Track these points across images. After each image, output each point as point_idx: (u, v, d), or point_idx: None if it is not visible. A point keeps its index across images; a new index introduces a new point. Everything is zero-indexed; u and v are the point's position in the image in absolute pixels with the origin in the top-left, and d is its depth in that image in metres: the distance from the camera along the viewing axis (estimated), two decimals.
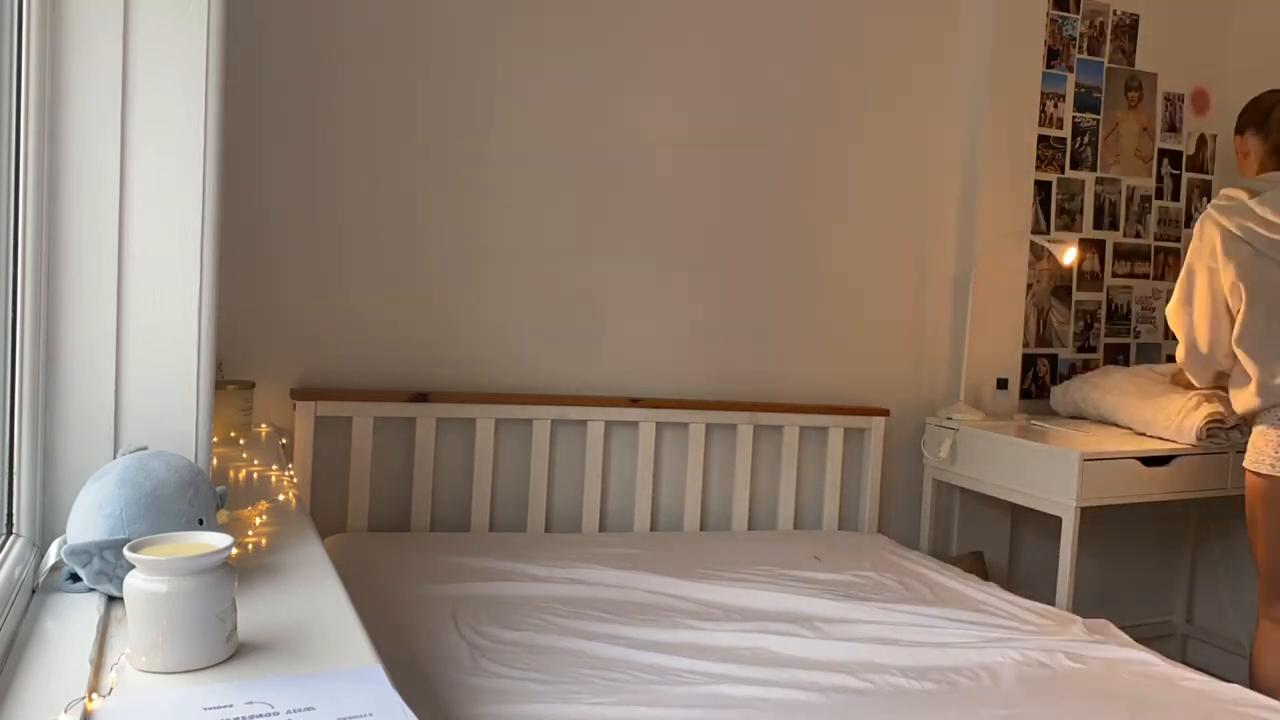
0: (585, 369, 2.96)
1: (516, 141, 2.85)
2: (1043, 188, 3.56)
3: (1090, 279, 3.71)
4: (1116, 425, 3.22)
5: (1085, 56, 3.62)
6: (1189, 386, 3.04)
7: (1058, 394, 3.48)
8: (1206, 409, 2.98)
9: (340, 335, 2.71)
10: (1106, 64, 3.67)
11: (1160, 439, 3.05)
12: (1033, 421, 3.33)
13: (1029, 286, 3.56)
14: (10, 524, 1.36)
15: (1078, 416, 3.39)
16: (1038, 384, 3.60)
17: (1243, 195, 2.66)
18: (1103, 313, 3.74)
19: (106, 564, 1.22)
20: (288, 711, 1.00)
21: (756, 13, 3.10)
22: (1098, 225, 3.71)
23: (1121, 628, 2.42)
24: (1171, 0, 3.76)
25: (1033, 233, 3.50)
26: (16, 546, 1.32)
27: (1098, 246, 3.71)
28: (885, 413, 3.31)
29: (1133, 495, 2.98)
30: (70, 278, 1.41)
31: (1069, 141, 3.60)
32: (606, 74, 2.94)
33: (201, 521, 1.30)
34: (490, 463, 2.83)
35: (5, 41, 1.33)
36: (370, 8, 2.68)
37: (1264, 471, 2.60)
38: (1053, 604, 2.80)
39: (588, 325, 2.97)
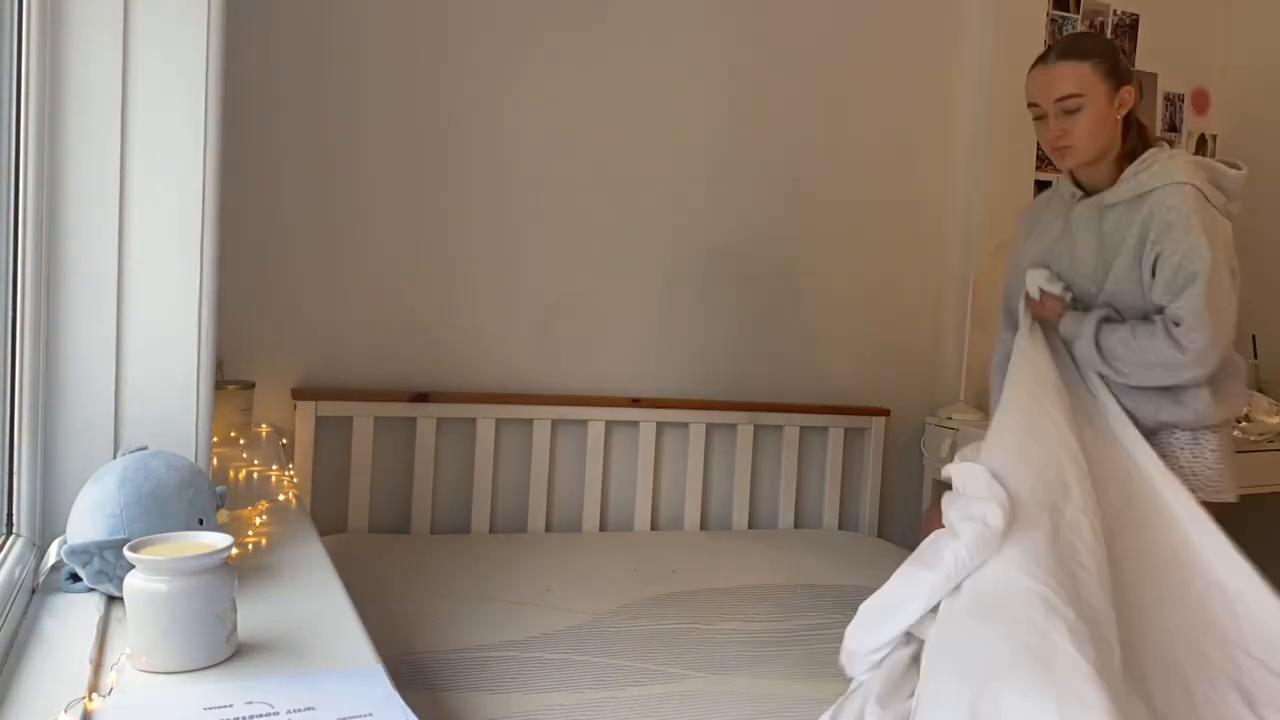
0: (586, 369, 2.96)
1: (518, 142, 2.85)
2: (1043, 188, 3.55)
3: None
4: None
5: None
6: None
7: None
8: None
9: (341, 335, 2.71)
10: None
11: None
12: None
13: None
14: (10, 524, 1.36)
15: None
16: None
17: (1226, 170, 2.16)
18: None
19: (106, 564, 1.22)
20: (288, 711, 1.00)
21: (756, 14, 3.10)
22: None
23: None
24: (1171, 0, 3.76)
25: None
26: (16, 546, 1.32)
27: None
28: (885, 413, 3.31)
29: None
30: (70, 278, 1.41)
31: None
32: (610, 76, 2.94)
33: (201, 521, 1.30)
34: (491, 462, 2.83)
35: (5, 42, 1.33)
36: (371, 11, 2.68)
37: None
38: None
39: (589, 325, 2.97)
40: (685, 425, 3.07)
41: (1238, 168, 2.15)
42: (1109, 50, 2.10)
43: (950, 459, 3.17)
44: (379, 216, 2.73)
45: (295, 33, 2.61)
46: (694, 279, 3.09)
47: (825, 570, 2.66)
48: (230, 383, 2.31)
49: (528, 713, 1.73)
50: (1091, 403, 2.07)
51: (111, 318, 1.43)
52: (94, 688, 1.03)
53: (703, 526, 3.10)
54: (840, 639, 2.11)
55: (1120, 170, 2.07)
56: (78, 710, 0.97)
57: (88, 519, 1.25)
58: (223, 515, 1.50)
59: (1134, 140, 2.08)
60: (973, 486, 1.77)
